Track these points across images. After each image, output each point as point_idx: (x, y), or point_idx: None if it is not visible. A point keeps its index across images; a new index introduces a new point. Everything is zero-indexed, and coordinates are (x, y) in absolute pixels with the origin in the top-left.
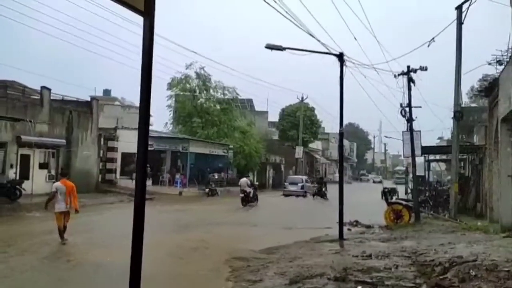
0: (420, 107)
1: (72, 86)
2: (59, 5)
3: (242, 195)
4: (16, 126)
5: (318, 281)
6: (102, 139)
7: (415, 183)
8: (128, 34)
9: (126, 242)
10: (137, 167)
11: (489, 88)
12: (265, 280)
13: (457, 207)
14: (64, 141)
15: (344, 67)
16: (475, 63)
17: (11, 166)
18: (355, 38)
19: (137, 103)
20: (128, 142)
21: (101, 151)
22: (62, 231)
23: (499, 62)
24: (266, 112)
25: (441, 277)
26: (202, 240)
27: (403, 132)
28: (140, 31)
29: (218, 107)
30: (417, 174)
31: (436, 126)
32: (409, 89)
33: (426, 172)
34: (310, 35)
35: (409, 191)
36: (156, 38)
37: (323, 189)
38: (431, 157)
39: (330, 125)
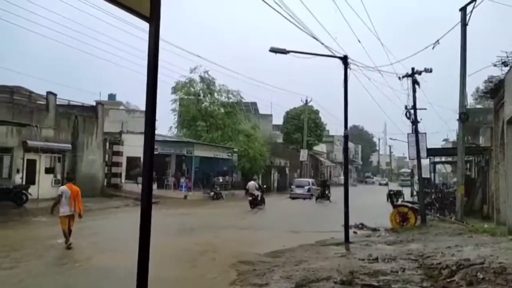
0: (425, 109)
1: (76, 90)
2: (65, 11)
3: (251, 198)
4: (22, 131)
5: (325, 284)
6: (107, 144)
7: (421, 185)
8: (132, 38)
9: (133, 246)
10: (143, 171)
11: (495, 90)
12: (271, 283)
13: (464, 209)
14: (69, 145)
15: (348, 70)
16: (480, 65)
17: (18, 171)
18: (359, 41)
19: (142, 107)
20: (133, 146)
21: (106, 156)
22: (67, 234)
23: (505, 64)
24: (270, 115)
25: (448, 280)
26: (209, 244)
27: (408, 134)
28: (143, 35)
29: (222, 110)
30: (423, 176)
31: (442, 128)
32: (414, 91)
33: (432, 174)
34: (314, 38)
35: (414, 193)
36: (160, 43)
37: (326, 192)
38: (437, 159)
39: (334, 127)
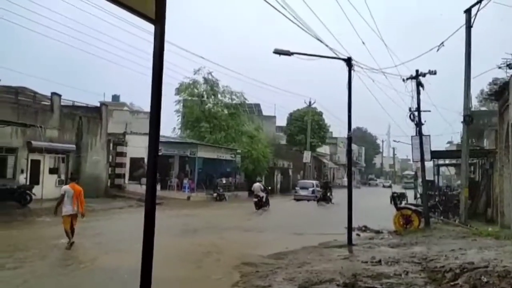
0: (429, 111)
1: (80, 91)
2: (67, 11)
3: (256, 199)
4: (27, 131)
5: (328, 287)
6: (111, 144)
7: (425, 187)
8: (136, 39)
9: (136, 246)
10: (147, 172)
11: (499, 92)
12: (274, 285)
13: (467, 212)
14: (74, 146)
15: (352, 72)
16: (484, 67)
17: (22, 171)
18: (363, 43)
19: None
20: (136, 147)
21: (110, 156)
22: (69, 233)
23: (509, 66)
24: (274, 117)
25: (452, 283)
26: (213, 245)
27: (412, 136)
28: (147, 36)
29: (226, 112)
30: (427, 178)
31: (446, 130)
32: (418, 93)
33: (436, 177)
34: (318, 40)
35: (418, 196)
36: (165, 44)
37: (328, 193)
38: (441, 161)
39: (338, 129)
